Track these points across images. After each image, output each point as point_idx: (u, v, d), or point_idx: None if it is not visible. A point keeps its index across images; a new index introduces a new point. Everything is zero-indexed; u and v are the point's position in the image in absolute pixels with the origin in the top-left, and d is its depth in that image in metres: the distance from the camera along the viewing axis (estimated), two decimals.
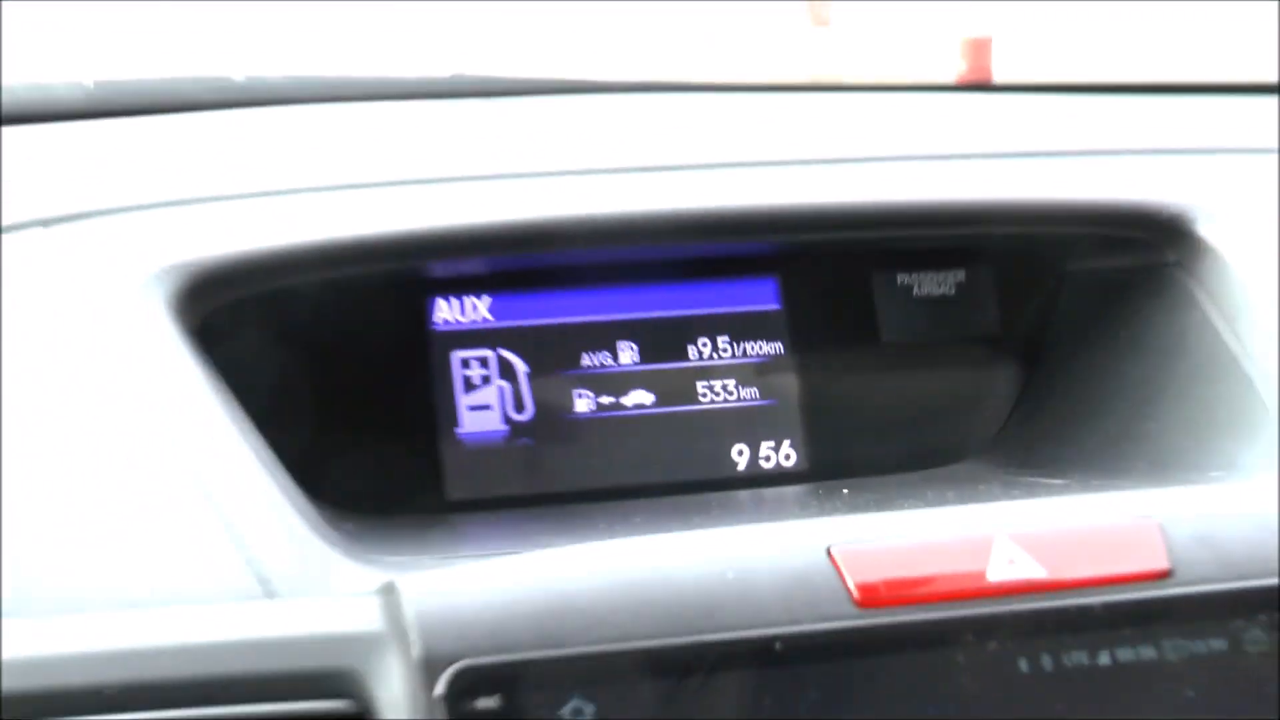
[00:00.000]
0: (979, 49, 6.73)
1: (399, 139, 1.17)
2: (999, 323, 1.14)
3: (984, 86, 1.54)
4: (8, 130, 1.17)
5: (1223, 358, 1.02)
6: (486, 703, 0.72)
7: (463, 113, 1.29)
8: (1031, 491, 0.98)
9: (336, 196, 1.03)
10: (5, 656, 0.76)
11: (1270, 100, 1.33)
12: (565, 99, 1.34)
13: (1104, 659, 0.77)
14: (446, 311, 1.08)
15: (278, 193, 1.02)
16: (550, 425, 1.08)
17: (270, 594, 0.81)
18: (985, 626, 0.76)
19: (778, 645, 0.74)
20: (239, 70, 1.37)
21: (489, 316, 1.08)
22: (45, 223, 0.96)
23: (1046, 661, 0.76)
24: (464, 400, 1.07)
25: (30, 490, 0.85)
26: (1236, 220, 1.06)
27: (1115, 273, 1.09)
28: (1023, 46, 7.26)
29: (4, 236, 0.95)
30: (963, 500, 0.90)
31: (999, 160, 1.13)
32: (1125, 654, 0.77)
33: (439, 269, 1.07)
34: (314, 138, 1.19)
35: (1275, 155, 1.12)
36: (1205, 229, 1.05)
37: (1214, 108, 1.29)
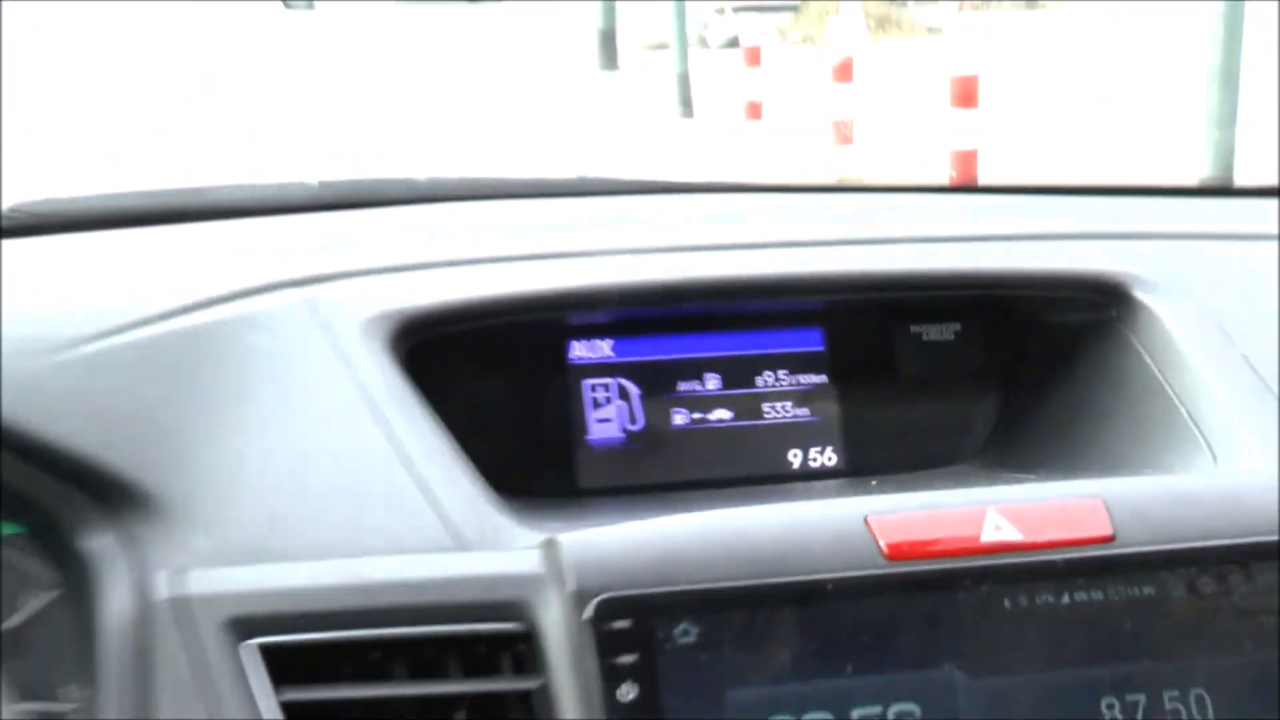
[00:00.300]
0: (966, 159, 6.64)
1: (543, 225, 1.17)
2: (986, 361, 1.13)
3: (971, 188, 1.49)
4: (260, 220, 1.18)
5: (1153, 387, 1.02)
6: (621, 624, 0.75)
7: (588, 206, 1.28)
8: (1010, 481, 0.98)
9: (499, 266, 1.04)
10: (286, 586, 0.79)
11: (1182, 201, 1.32)
12: (663, 196, 1.33)
13: (1065, 599, 0.79)
14: (579, 350, 1.08)
15: (457, 263, 1.03)
16: (655, 434, 1.08)
17: (463, 548, 0.83)
18: (979, 575, 0.78)
19: (829, 586, 0.77)
20: (422, 174, 1.37)
21: (611, 354, 1.08)
22: (296, 283, 0.97)
23: (1023, 600, 0.78)
24: (592, 415, 1.07)
25: (297, 472, 0.87)
26: (1162, 287, 1.05)
27: (1072, 324, 1.09)
28: (1001, 157, 7.17)
29: (268, 294, 0.96)
30: (960, 487, 0.91)
31: (985, 242, 1.12)
32: (1080, 596, 0.79)
33: (573, 319, 1.07)
34: (480, 223, 1.18)
35: (1188, 240, 1.12)
36: (1139, 293, 1.05)
37: (1143, 205, 1.26)
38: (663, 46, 13.53)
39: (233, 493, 0.85)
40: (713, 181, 1.42)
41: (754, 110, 9.97)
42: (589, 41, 14.60)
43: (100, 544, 0.82)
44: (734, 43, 12.59)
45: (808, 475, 1.09)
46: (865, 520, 0.79)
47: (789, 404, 1.10)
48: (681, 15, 11.35)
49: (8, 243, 1.09)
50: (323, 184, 1.30)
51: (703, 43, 14.34)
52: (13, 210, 1.16)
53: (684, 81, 11.03)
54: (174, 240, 1.13)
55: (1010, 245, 1.12)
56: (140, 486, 0.84)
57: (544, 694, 0.76)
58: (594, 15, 14.53)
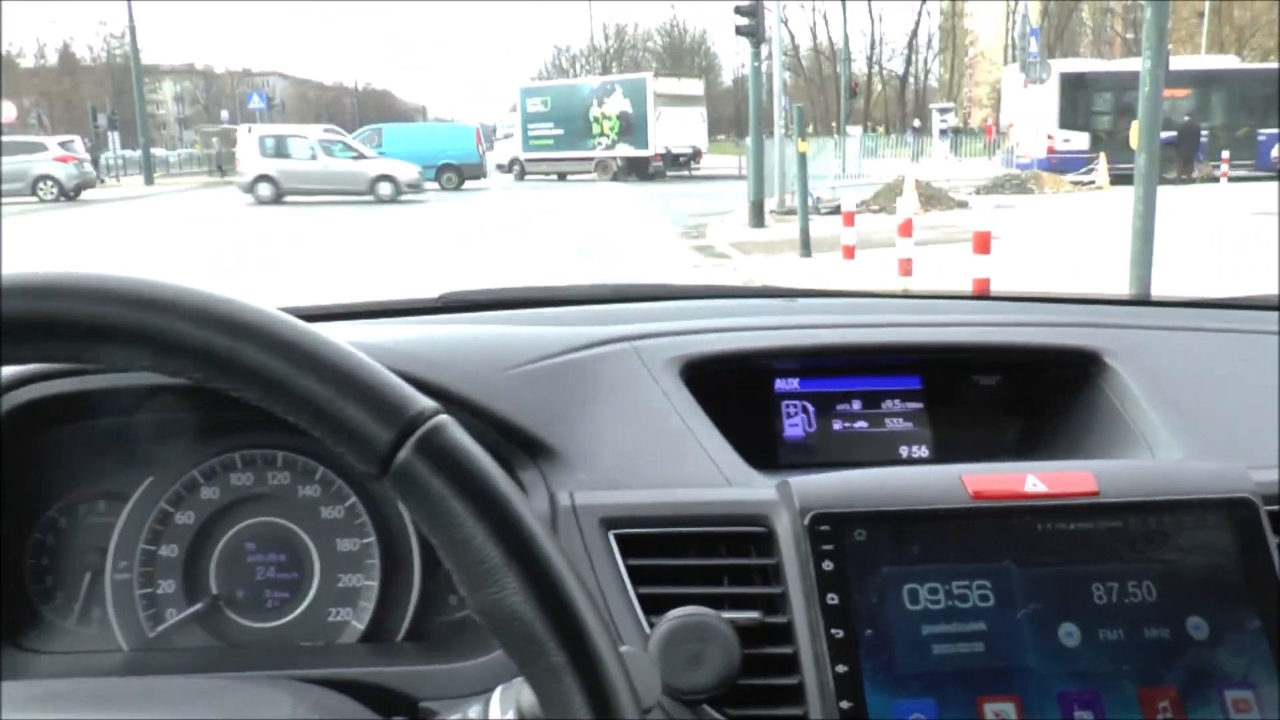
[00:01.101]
0: (982, 283, 6.51)
1: (749, 312, 1.18)
2: (1016, 398, 1.12)
3: (988, 297, 1.48)
4: (586, 305, 1.21)
5: (1116, 414, 1.02)
6: (823, 528, 0.77)
7: (768, 302, 1.30)
8: (1036, 461, 0.95)
9: (735, 334, 1.06)
10: (630, 502, 0.82)
11: (1131, 307, 1.29)
12: (808, 299, 1.33)
13: (1071, 526, 0.79)
14: (781, 384, 1.10)
15: (711, 331, 1.06)
16: (823, 434, 1.09)
17: (730, 485, 0.86)
18: (1023, 510, 0.79)
19: (940, 512, 0.79)
20: (673, 282, 1.40)
21: (798, 387, 1.10)
22: (627, 339, 1.01)
23: (1047, 525, 0.79)
24: (787, 423, 1.09)
25: (632, 441, 0.89)
26: (1120, 356, 1.05)
27: (1067, 377, 1.08)
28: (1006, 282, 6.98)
29: (613, 344, 1.00)
30: (1009, 462, 0.90)
31: (1012, 327, 1.12)
32: (1079, 525, 0.79)
33: (777, 365, 1.09)
34: (713, 310, 1.20)
35: (1136, 329, 1.10)
36: (1107, 359, 1.05)
37: (1107, 309, 1.23)
38: (791, 212, 13.47)
39: (597, 451, 0.87)
40: (831, 290, 1.40)
41: (849, 253, 9.81)
42: (743, 209, 14.64)
43: (529, 476, 0.86)
44: (836, 209, 12.44)
45: (910, 462, 1.09)
46: (960, 477, 0.81)
47: (900, 419, 1.10)
48: (804, 192, 11.37)
49: (451, 316, 1.17)
50: (615, 287, 1.33)
51: (816, 210, 14.16)
52: (442, 297, 1.23)
53: (805, 234, 10.92)
54: (547, 315, 1.17)
55: (1029, 329, 1.11)
56: (549, 444, 0.87)
57: (778, 567, 0.78)
58: (745, 191, 14.60)
